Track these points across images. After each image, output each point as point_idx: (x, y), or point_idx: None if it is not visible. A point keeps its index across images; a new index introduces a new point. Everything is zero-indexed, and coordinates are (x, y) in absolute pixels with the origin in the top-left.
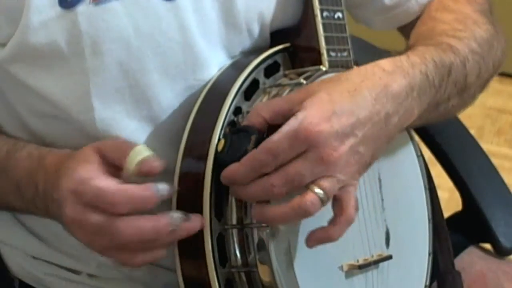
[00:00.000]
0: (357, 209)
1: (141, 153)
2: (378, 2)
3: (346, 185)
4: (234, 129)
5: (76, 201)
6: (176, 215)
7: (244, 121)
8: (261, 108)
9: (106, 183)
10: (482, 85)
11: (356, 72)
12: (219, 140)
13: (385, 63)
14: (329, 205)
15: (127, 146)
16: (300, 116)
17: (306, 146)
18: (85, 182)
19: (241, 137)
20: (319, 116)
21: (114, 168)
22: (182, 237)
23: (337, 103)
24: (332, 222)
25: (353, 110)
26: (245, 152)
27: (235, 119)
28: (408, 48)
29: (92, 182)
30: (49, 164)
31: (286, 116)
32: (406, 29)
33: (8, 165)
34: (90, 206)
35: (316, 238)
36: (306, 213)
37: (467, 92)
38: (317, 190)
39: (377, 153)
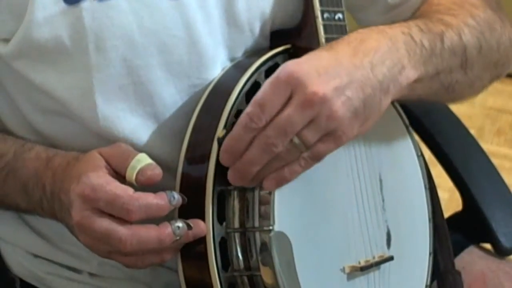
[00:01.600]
0: (318, 159)
1: (142, 161)
2: (381, 3)
3: (331, 133)
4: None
5: (84, 206)
6: (181, 225)
7: None
8: None
9: (122, 189)
10: (491, 69)
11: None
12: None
13: (361, 29)
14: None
15: (129, 154)
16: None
17: (290, 88)
18: (99, 188)
19: None
20: (298, 61)
21: (117, 175)
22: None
23: (316, 55)
24: None
25: (334, 58)
26: None
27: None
28: None
29: (108, 187)
30: (57, 166)
31: None
32: None
33: (16, 166)
34: (98, 212)
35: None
36: (282, 161)
37: (470, 68)
38: (296, 140)
39: (369, 102)
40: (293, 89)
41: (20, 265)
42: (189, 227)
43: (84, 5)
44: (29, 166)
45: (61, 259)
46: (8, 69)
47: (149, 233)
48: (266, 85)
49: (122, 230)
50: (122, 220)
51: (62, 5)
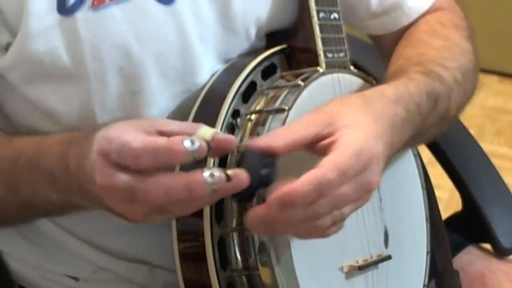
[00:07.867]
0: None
1: (208, 131)
2: (364, 8)
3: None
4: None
5: (104, 163)
6: (216, 174)
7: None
8: (278, 139)
9: (132, 136)
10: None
11: (372, 96)
12: None
13: (390, 92)
14: None
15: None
16: (354, 135)
17: (364, 167)
18: (114, 139)
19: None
20: (369, 138)
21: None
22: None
23: (373, 128)
24: None
25: (382, 135)
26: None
27: (234, 121)
28: (397, 68)
29: (120, 137)
30: (79, 137)
31: (312, 142)
32: (385, 38)
33: (39, 156)
34: (118, 167)
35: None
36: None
37: (445, 121)
38: (336, 213)
39: None
40: (364, 169)
41: (18, 272)
42: (227, 178)
43: (79, 15)
44: (52, 151)
45: (57, 269)
46: (3, 81)
47: (175, 181)
48: (350, 154)
49: (144, 181)
50: (145, 172)
51: (57, 16)
